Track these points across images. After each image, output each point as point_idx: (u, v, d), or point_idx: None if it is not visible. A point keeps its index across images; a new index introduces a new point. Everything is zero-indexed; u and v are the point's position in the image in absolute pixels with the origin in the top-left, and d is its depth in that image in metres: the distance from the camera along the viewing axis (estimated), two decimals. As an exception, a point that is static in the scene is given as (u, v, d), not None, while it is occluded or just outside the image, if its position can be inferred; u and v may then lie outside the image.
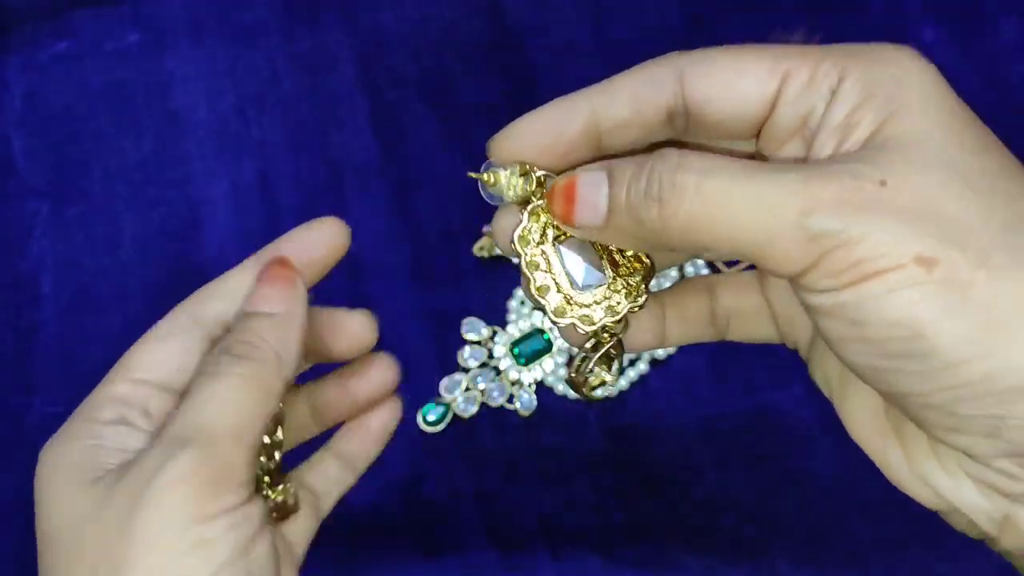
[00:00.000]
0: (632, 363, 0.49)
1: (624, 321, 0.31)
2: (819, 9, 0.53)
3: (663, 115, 0.28)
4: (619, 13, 0.54)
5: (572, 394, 0.48)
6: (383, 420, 0.37)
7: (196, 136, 0.53)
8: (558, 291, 0.30)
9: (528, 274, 0.30)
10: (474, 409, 0.48)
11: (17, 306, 0.51)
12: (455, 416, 0.48)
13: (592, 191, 0.28)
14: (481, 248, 0.50)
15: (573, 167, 0.29)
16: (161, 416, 0.31)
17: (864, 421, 0.30)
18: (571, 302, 0.30)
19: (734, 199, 0.25)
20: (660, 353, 0.49)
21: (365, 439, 0.37)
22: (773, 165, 0.26)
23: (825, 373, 0.31)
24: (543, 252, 0.30)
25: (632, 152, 0.29)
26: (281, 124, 0.54)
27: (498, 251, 0.50)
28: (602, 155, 0.29)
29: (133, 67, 0.55)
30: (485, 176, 0.30)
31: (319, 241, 0.33)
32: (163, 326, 0.32)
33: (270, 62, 0.54)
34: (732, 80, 0.27)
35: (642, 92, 0.28)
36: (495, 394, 0.48)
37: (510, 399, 0.49)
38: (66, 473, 0.29)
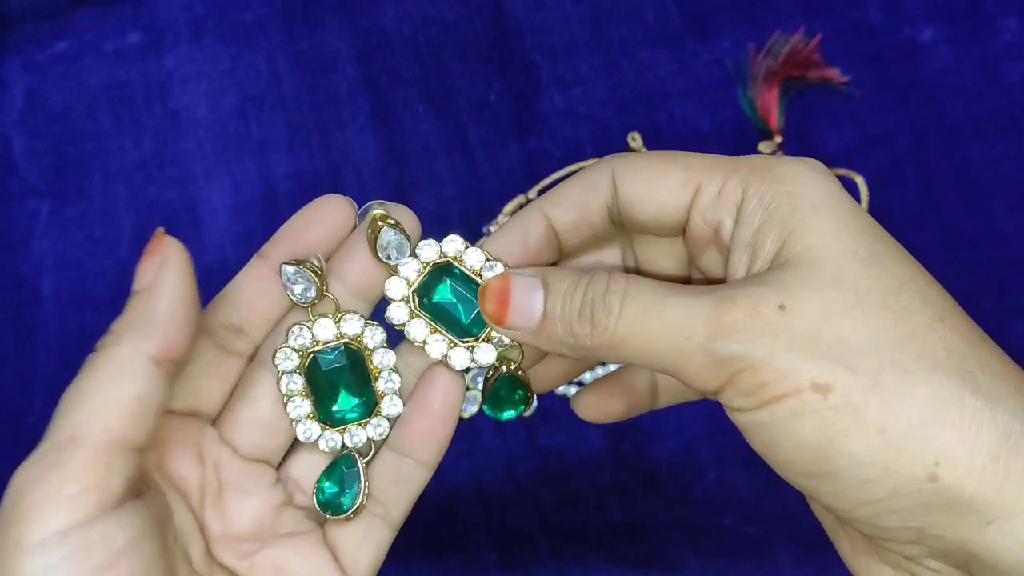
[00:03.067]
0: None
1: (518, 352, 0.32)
2: (819, 9, 0.53)
3: (604, 213, 0.30)
4: (619, 13, 0.54)
5: (572, 392, 0.48)
6: (445, 392, 0.31)
7: (196, 136, 0.53)
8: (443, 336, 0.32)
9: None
10: (474, 409, 0.48)
11: (17, 306, 0.51)
12: (455, 416, 0.48)
13: (526, 298, 0.29)
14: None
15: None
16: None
17: (816, 507, 0.31)
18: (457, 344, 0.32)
19: (650, 323, 0.27)
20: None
21: (428, 421, 0.31)
22: (689, 289, 0.27)
23: None
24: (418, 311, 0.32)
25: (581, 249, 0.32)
26: (281, 124, 0.54)
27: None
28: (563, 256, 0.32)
29: (133, 67, 0.55)
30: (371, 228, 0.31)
31: (322, 221, 0.31)
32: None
33: (270, 62, 0.54)
34: (652, 187, 0.29)
35: (584, 196, 0.31)
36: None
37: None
38: None
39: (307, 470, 0.32)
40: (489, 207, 0.51)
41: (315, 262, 0.31)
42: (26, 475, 0.25)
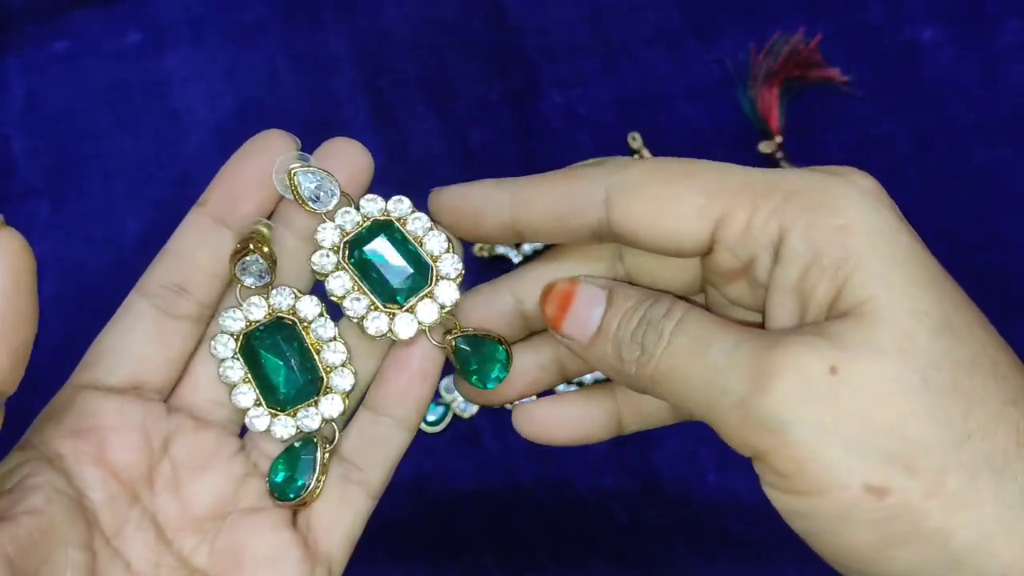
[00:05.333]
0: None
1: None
2: (819, 9, 0.53)
3: (587, 233, 0.27)
4: (619, 13, 0.54)
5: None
6: (424, 350, 0.29)
7: (196, 136, 0.53)
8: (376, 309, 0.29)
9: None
10: (474, 409, 0.48)
11: (17, 306, 0.51)
12: (455, 416, 0.48)
13: (587, 309, 0.27)
14: (481, 248, 0.50)
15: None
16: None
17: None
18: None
19: (693, 363, 0.24)
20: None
21: (405, 377, 0.29)
22: (741, 330, 0.24)
23: None
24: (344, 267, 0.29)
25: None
26: (281, 124, 0.54)
27: (499, 251, 0.50)
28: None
29: (133, 67, 0.54)
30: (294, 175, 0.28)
31: (263, 158, 0.29)
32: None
33: (270, 62, 0.54)
34: (658, 215, 0.25)
35: (562, 209, 0.27)
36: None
37: (510, 399, 0.49)
38: None
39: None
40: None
41: (263, 230, 0.28)
42: None
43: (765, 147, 0.51)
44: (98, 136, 0.54)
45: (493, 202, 0.28)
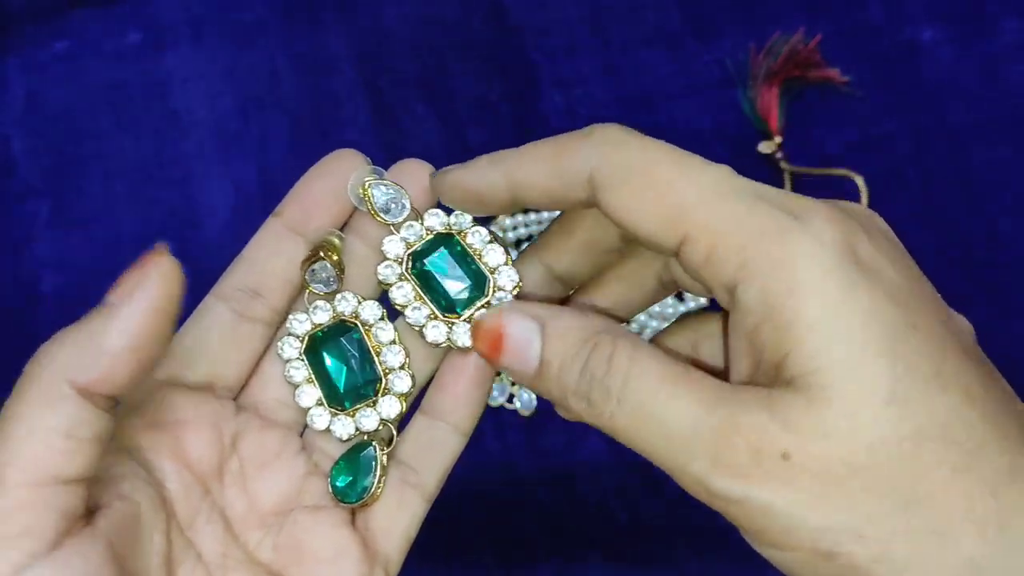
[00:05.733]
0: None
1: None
2: (819, 9, 0.53)
3: (581, 207, 0.27)
4: (619, 13, 0.54)
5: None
6: (479, 357, 0.29)
7: (196, 136, 0.53)
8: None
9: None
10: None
11: (17, 306, 0.51)
12: (455, 416, 0.48)
13: (522, 345, 0.27)
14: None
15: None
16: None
17: None
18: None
19: (649, 428, 0.25)
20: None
21: (463, 383, 0.30)
22: (693, 391, 0.25)
23: None
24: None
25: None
26: (281, 124, 0.54)
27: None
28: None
29: (133, 67, 0.54)
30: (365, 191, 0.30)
31: (335, 175, 0.30)
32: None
33: (270, 62, 0.54)
34: (634, 214, 0.25)
35: (552, 188, 0.27)
36: (495, 394, 0.48)
37: (510, 399, 0.49)
38: None
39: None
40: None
41: (334, 240, 0.30)
42: None
43: (765, 147, 0.51)
44: (98, 136, 0.54)
45: (489, 183, 0.28)
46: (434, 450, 0.30)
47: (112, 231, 0.52)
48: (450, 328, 0.30)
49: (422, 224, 0.31)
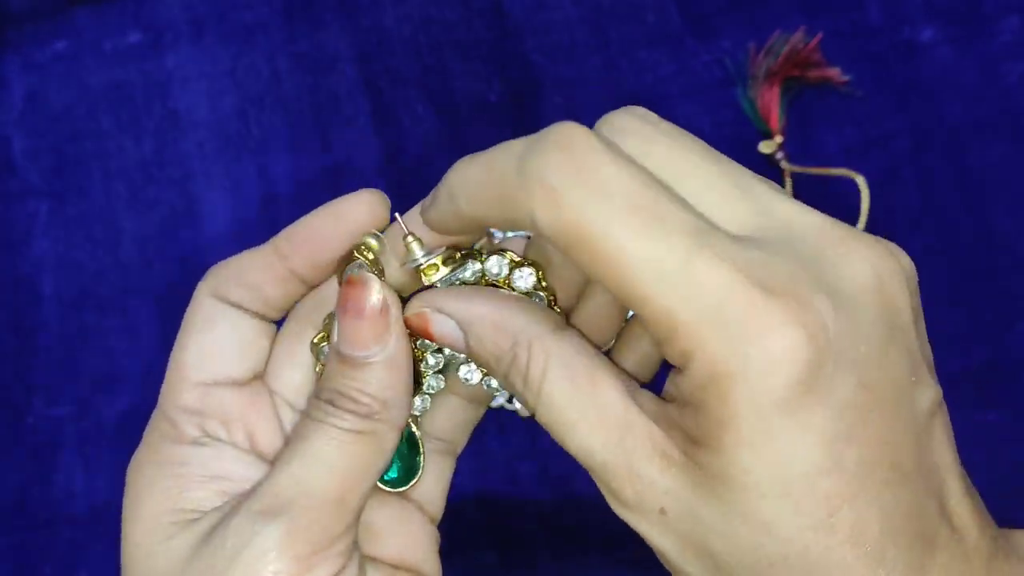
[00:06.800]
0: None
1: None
2: (819, 9, 0.53)
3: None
4: (619, 13, 0.54)
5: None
6: None
7: (196, 136, 0.53)
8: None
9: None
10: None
11: (17, 306, 0.51)
12: (455, 416, 0.48)
13: (454, 339, 0.28)
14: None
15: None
16: (240, 418, 0.29)
17: None
18: None
19: (566, 436, 0.26)
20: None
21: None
22: (599, 409, 0.25)
23: None
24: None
25: None
26: (281, 124, 0.54)
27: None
28: None
29: (133, 67, 0.54)
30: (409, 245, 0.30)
31: (358, 215, 0.29)
32: (196, 317, 0.29)
33: (270, 62, 0.54)
34: (592, 275, 0.25)
35: (504, 222, 0.27)
36: (496, 394, 0.48)
37: (511, 399, 0.49)
38: (154, 506, 0.28)
39: None
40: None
41: (371, 241, 0.29)
42: (261, 538, 0.26)
43: (765, 147, 0.51)
44: (98, 136, 0.54)
45: (451, 220, 0.29)
46: (460, 421, 0.33)
47: (112, 231, 0.52)
48: None
49: (504, 256, 0.30)
